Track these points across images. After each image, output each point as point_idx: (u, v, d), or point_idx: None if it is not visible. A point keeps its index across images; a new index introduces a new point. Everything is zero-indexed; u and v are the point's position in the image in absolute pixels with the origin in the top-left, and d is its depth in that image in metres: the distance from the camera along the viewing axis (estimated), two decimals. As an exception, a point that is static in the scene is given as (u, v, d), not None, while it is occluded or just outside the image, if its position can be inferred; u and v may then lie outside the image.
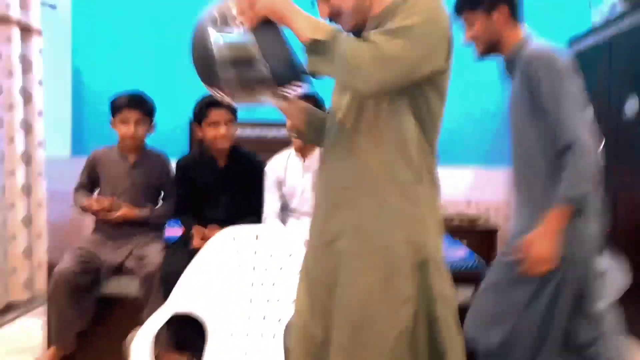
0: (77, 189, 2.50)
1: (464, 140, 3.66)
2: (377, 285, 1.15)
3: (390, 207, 1.17)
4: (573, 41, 3.75)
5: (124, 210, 2.32)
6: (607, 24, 3.33)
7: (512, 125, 1.76)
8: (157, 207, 2.49)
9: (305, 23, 1.10)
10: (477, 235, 3.44)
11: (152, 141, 2.56)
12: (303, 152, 2.47)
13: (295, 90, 1.13)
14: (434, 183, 1.23)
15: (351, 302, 1.16)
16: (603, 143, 2.50)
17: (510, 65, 1.73)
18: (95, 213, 2.32)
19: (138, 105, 2.35)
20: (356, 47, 1.07)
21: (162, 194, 2.54)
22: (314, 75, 1.13)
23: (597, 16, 3.63)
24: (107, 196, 2.39)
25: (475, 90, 3.85)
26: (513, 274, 1.62)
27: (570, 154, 1.47)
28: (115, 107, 2.35)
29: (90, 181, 2.50)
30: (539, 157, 1.62)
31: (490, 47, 1.75)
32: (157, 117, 2.52)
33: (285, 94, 1.13)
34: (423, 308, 1.16)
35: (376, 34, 1.08)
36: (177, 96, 3.85)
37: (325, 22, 1.15)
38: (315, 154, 2.46)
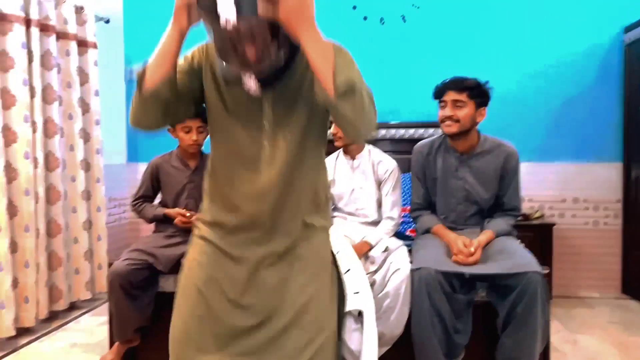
0: (141, 202, 2.58)
1: (515, 135, 3.57)
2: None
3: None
4: (628, 29, 3.60)
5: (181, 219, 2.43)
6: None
7: (474, 184, 2.26)
8: None
9: (324, 56, 1.08)
10: (533, 230, 3.35)
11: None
12: (351, 152, 2.48)
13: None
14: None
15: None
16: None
17: (471, 150, 2.26)
18: (184, 222, 2.40)
19: (199, 114, 2.42)
20: (367, 93, 1.13)
21: None
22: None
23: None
24: (169, 201, 2.52)
25: (525, 83, 3.75)
26: None
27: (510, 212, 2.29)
28: None
29: (152, 190, 2.60)
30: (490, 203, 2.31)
31: (462, 132, 2.19)
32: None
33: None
34: None
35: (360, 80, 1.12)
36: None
37: (332, 51, 1.10)
38: (364, 153, 2.47)
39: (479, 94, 2.17)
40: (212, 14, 1.03)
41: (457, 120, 2.17)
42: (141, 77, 1.19)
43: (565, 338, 2.85)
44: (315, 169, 1.36)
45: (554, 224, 3.46)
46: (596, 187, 3.76)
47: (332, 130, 2.37)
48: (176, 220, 2.41)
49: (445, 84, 2.21)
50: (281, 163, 1.26)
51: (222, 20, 1.02)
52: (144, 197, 2.58)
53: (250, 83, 1.17)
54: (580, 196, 3.78)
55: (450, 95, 2.18)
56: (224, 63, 1.17)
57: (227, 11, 1.00)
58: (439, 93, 2.23)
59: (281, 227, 1.32)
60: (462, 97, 2.15)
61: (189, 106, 1.31)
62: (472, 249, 2.06)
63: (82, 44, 3.42)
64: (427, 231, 2.35)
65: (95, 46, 3.50)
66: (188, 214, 2.40)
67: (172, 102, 1.23)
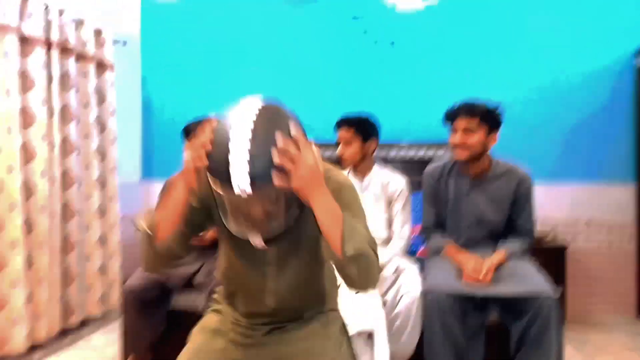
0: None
1: (528, 156, 3.58)
2: None
3: None
4: (638, 53, 3.61)
5: (211, 233, 2.45)
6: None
7: (486, 209, 2.27)
8: None
9: (334, 221, 1.12)
10: (546, 253, 3.31)
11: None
12: (360, 172, 2.50)
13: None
14: None
15: None
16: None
17: (483, 174, 2.26)
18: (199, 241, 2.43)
19: None
20: (371, 252, 1.17)
21: None
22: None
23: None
24: None
25: (538, 105, 3.77)
26: None
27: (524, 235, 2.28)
28: (191, 133, 2.46)
29: None
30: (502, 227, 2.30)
31: (473, 157, 2.19)
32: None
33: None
34: None
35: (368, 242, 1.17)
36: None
37: (340, 216, 1.14)
38: (373, 172, 2.48)
39: (490, 119, 2.14)
40: (224, 182, 1.05)
41: (468, 148, 2.16)
42: (151, 230, 1.22)
43: (580, 363, 2.80)
44: (318, 273, 1.39)
45: (566, 247, 3.43)
46: (609, 209, 3.73)
47: (338, 151, 2.39)
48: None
49: (456, 110, 2.18)
50: (284, 292, 1.33)
51: (237, 190, 1.04)
52: None
53: (256, 241, 1.17)
54: (594, 218, 3.75)
55: (461, 123, 2.15)
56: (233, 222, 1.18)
57: (242, 182, 1.02)
58: (449, 118, 2.21)
59: (287, 315, 1.38)
60: (473, 123, 2.13)
61: (203, 228, 1.35)
62: (484, 271, 2.05)
63: (100, 66, 3.51)
64: (439, 250, 2.34)
65: (112, 68, 3.59)
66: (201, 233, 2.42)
67: (187, 236, 1.28)
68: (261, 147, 1.04)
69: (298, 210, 1.19)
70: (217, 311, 1.46)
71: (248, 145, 1.04)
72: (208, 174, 1.10)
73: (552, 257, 3.33)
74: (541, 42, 3.77)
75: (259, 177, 1.04)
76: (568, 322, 3.40)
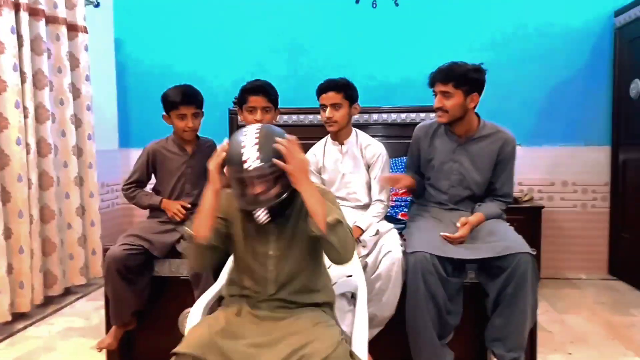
0: (133, 187, 2.54)
1: (506, 119, 3.61)
2: None
3: None
4: (618, 12, 3.62)
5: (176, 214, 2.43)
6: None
7: (469, 168, 2.31)
8: None
9: (318, 201, 1.43)
10: (523, 213, 3.40)
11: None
12: (339, 138, 2.49)
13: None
14: None
15: None
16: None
17: (470, 134, 2.29)
18: (174, 214, 2.41)
19: (193, 99, 2.42)
20: (348, 228, 1.48)
21: None
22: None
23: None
24: (166, 186, 2.51)
25: (517, 68, 3.78)
26: None
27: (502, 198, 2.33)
28: (171, 104, 2.41)
29: (147, 175, 2.57)
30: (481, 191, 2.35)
31: (454, 120, 2.23)
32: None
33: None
34: None
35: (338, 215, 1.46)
36: (216, 86, 3.95)
37: (323, 199, 1.47)
38: (352, 138, 2.48)
39: (466, 81, 2.16)
40: (237, 166, 1.43)
41: (446, 111, 2.19)
42: (192, 235, 1.52)
43: (553, 318, 2.92)
44: (314, 269, 1.63)
45: (542, 207, 3.52)
46: (585, 170, 3.82)
47: (327, 114, 2.37)
48: (171, 214, 2.40)
49: (433, 75, 2.22)
50: (283, 281, 1.57)
51: (246, 165, 1.41)
52: (136, 183, 2.55)
53: (260, 215, 1.49)
54: (569, 179, 3.84)
55: (438, 87, 2.19)
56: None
57: (251, 161, 1.41)
58: (430, 83, 2.25)
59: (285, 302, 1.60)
60: (449, 87, 2.16)
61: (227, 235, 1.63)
62: (459, 225, 2.12)
63: (72, 29, 3.39)
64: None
65: (85, 30, 3.48)
66: (185, 210, 2.39)
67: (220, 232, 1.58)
68: (264, 143, 1.43)
69: (287, 193, 1.48)
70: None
71: (256, 141, 1.43)
72: (226, 166, 1.48)
73: (528, 217, 3.42)
74: (521, 6, 3.76)
75: (262, 159, 1.41)
76: (542, 280, 3.52)
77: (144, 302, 2.29)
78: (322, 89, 2.40)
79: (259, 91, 2.35)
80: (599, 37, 3.72)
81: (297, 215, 1.57)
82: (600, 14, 3.71)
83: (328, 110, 2.37)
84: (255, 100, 2.36)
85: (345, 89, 2.38)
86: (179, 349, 1.40)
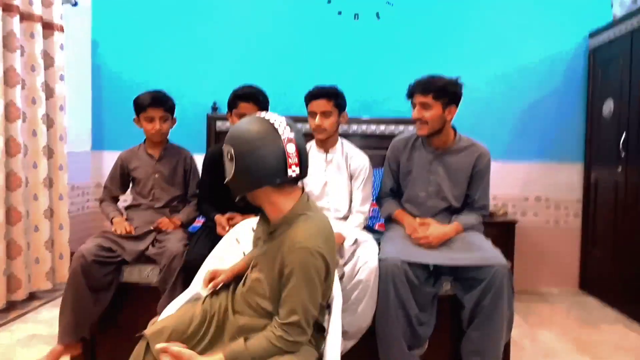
0: (103, 199, 2.58)
1: (482, 136, 3.65)
2: None
3: None
4: (593, 34, 3.71)
5: (164, 223, 2.41)
6: (628, 16, 3.28)
7: (445, 180, 2.32)
8: (183, 210, 2.55)
9: None
10: (497, 227, 3.44)
11: (172, 136, 2.62)
12: (325, 146, 2.47)
13: None
14: None
15: None
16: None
17: (446, 146, 2.31)
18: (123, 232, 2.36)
19: (161, 103, 2.45)
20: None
21: (186, 190, 2.62)
22: None
23: (618, 9, 3.59)
24: (140, 193, 2.52)
25: (493, 86, 3.84)
26: None
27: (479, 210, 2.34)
28: (140, 107, 2.44)
29: (122, 181, 2.58)
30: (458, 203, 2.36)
31: (433, 132, 2.24)
32: (176, 112, 2.58)
33: None
34: None
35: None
36: (194, 91, 3.89)
37: None
38: (338, 147, 2.47)
39: (445, 94, 2.18)
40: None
41: (426, 122, 2.21)
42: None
43: (525, 333, 2.94)
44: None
45: (516, 222, 3.56)
46: (558, 186, 3.88)
47: (317, 121, 2.34)
48: (115, 230, 2.35)
49: (412, 86, 2.25)
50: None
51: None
52: (109, 194, 2.57)
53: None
54: (543, 195, 3.90)
55: (418, 98, 2.21)
56: None
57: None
58: (408, 94, 2.27)
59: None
60: (428, 99, 2.18)
61: None
62: (427, 230, 2.16)
63: (48, 27, 3.31)
64: (390, 216, 2.42)
65: (61, 29, 3.40)
66: (129, 230, 2.35)
67: None
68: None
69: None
70: None
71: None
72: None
73: (502, 232, 3.46)
74: (500, 25, 3.83)
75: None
76: (515, 294, 3.54)
77: (104, 309, 2.21)
78: (313, 96, 2.38)
79: (250, 98, 2.39)
80: (574, 58, 3.81)
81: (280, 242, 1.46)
82: (575, 35, 3.80)
83: (318, 117, 2.35)
84: (246, 107, 2.38)
85: (336, 97, 2.37)
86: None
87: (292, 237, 1.36)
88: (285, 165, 1.38)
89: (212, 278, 1.66)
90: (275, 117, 1.43)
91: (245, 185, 1.42)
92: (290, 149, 1.39)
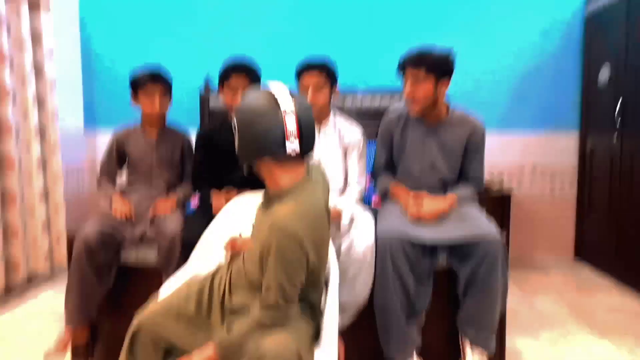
0: (101, 177, 2.53)
1: (478, 105, 3.63)
2: None
3: None
4: (589, 2, 3.65)
5: (160, 207, 2.36)
6: (624, -20, 3.22)
7: (439, 155, 2.30)
8: (179, 188, 2.53)
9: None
10: (492, 198, 3.43)
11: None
12: (319, 119, 2.44)
13: None
14: None
15: None
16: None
17: (439, 121, 2.27)
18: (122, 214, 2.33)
19: (161, 79, 2.38)
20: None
21: (183, 171, 2.59)
22: None
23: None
24: (139, 173, 2.48)
25: (489, 54, 3.79)
26: None
27: (474, 183, 2.33)
28: (138, 83, 2.37)
29: (118, 162, 2.54)
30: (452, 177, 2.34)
31: (425, 109, 2.20)
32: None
33: None
34: None
35: None
36: (186, 67, 3.84)
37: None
38: (331, 120, 2.44)
39: (437, 68, 2.12)
40: None
41: (418, 102, 2.15)
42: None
43: (521, 300, 2.98)
44: None
45: (512, 192, 3.57)
46: (554, 156, 3.88)
47: (309, 96, 2.29)
48: (115, 211, 2.32)
49: (404, 59, 2.16)
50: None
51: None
52: (106, 173, 2.54)
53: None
54: (538, 165, 3.90)
55: (409, 73, 2.14)
56: None
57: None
58: (400, 68, 2.19)
59: None
60: (420, 73, 2.11)
61: None
62: (425, 208, 2.14)
63: (34, 5, 3.22)
64: (386, 191, 2.39)
65: (47, 8, 3.31)
66: (129, 215, 2.32)
67: None
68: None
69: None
70: None
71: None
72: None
73: (497, 203, 3.45)
74: (495, -11, 3.76)
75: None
76: (511, 264, 3.58)
77: (108, 291, 2.21)
78: (304, 68, 2.31)
79: (242, 70, 2.29)
80: (570, 25, 3.76)
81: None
82: (571, 2, 3.74)
83: (310, 92, 2.30)
84: (237, 79, 2.29)
85: (328, 69, 2.31)
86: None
87: (276, 214, 1.36)
88: (283, 138, 1.38)
89: (233, 244, 1.69)
90: (278, 89, 1.42)
91: (247, 155, 1.47)
92: (290, 121, 1.37)
